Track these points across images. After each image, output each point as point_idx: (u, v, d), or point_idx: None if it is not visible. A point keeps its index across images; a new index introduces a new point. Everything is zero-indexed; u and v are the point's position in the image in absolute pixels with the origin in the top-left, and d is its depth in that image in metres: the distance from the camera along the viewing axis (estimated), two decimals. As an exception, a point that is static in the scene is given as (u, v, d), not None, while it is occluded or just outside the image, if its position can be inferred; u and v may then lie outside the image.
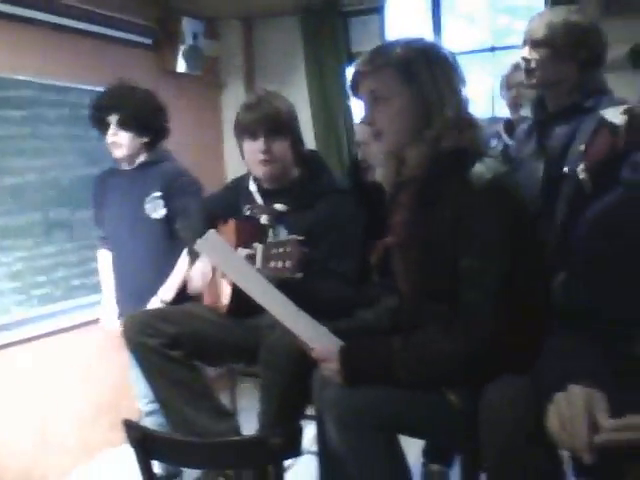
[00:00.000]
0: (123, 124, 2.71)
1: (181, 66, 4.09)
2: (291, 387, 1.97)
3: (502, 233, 1.55)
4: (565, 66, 2.14)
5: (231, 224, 2.34)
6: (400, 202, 1.72)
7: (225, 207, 2.43)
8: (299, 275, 1.88)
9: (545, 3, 3.78)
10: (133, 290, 2.78)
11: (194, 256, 2.39)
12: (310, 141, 4.08)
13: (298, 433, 1.53)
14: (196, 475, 2.49)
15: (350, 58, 4.20)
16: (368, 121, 1.74)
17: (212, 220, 2.37)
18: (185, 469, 2.72)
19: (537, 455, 1.34)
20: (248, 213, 2.36)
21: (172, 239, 2.73)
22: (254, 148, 2.26)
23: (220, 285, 2.29)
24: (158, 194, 2.72)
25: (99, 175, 3.03)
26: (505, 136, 2.76)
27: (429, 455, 2.70)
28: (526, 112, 2.43)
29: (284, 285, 1.79)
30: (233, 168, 4.10)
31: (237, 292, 1.98)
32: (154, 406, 2.57)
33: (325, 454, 1.78)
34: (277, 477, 1.55)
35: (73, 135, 3.38)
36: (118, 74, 2.96)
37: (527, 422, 1.30)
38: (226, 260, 1.81)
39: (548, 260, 1.78)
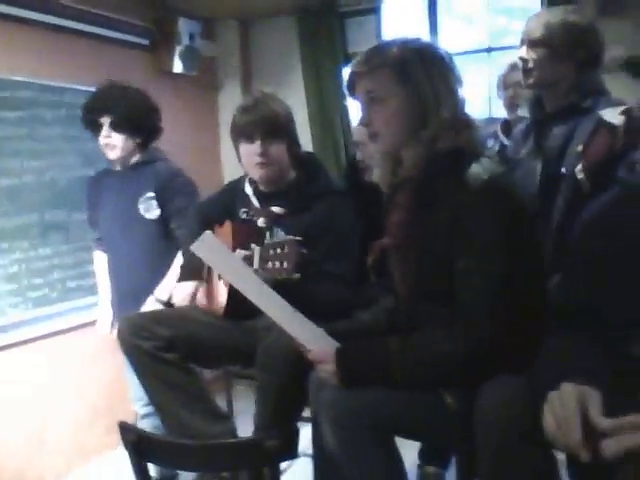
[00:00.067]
0: (116, 125, 2.70)
1: (177, 67, 4.09)
2: (287, 389, 1.96)
3: (499, 233, 1.54)
4: (563, 66, 2.14)
5: (227, 226, 2.33)
6: (397, 203, 1.71)
7: (221, 210, 2.42)
8: (297, 275, 1.87)
9: (542, 4, 3.78)
10: (129, 291, 2.77)
11: (184, 270, 2.38)
12: (307, 142, 4.08)
13: (294, 435, 1.52)
14: (192, 478, 2.47)
15: (347, 59, 4.20)
16: (364, 122, 1.74)
17: (208, 223, 2.36)
18: (181, 472, 2.71)
19: (532, 455, 1.34)
20: (245, 216, 2.35)
21: (167, 239, 2.73)
22: (251, 151, 2.25)
23: (216, 287, 2.29)
24: (152, 194, 2.71)
25: (93, 176, 3.03)
26: (502, 136, 2.76)
27: (425, 457, 2.70)
28: (523, 112, 2.43)
29: (281, 286, 1.78)
30: (230, 169, 4.10)
31: (234, 294, 1.97)
32: (149, 409, 2.56)
33: (321, 456, 1.77)
34: (273, 479, 1.55)
35: (70, 136, 3.38)
36: (115, 75, 2.95)
37: (522, 422, 1.30)
38: (222, 262, 1.80)
39: (545, 260, 1.77)
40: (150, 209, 2.72)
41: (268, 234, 2.25)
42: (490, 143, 2.71)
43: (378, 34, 4.30)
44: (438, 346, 1.56)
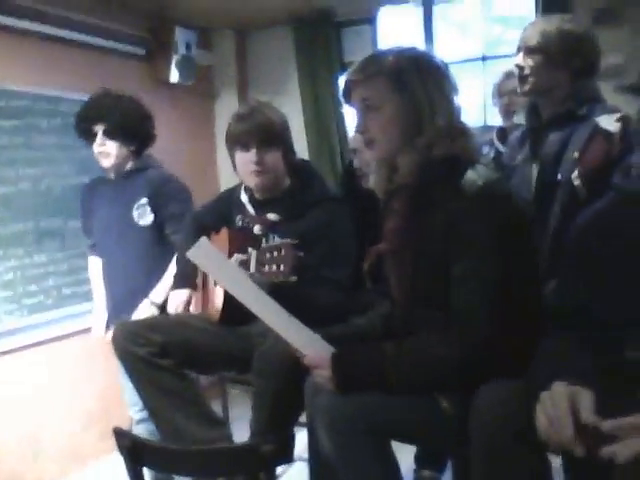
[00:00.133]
0: (110, 133, 2.70)
1: (174, 76, 4.09)
2: (283, 394, 1.95)
3: (494, 239, 1.55)
4: (558, 73, 2.15)
5: (224, 233, 2.34)
6: (392, 209, 1.72)
7: (217, 218, 2.43)
8: (294, 278, 1.87)
9: (536, 13, 3.81)
10: (124, 297, 2.76)
11: (177, 278, 2.38)
12: (303, 150, 4.09)
13: (290, 440, 1.52)
14: (187, 483, 2.47)
15: (343, 68, 4.21)
16: (360, 129, 1.75)
17: (204, 230, 2.35)
18: (176, 477, 2.70)
19: (526, 457, 1.34)
20: (240, 223, 2.36)
21: (161, 245, 2.73)
22: (246, 159, 2.25)
23: (212, 293, 2.29)
24: (145, 201, 2.72)
25: (87, 184, 3.03)
26: (498, 143, 2.77)
27: (421, 461, 2.70)
28: (519, 119, 2.45)
29: (278, 291, 1.78)
30: (226, 178, 4.10)
31: (229, 300, 1.97)
32: (144, 414, 2.55)
33: (317, 461, 1.77)
34: (269, 485, 1.55)
35: (65, 145, 3.38)
36: (111, 84, 2.96)
37: (517, 423, 1.30)
38: (218, 268, 1.81)
39: (541, 266, 1.78)
40: (144, 215, 2.72)
41: (264, 241, 2.25)
42: (486, 150, 2.72)
43: (374, 43, 4.32)
44: (434, 350, 1.56)
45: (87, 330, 3.06)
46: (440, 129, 1.64)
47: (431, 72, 1.68)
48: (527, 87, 2.19)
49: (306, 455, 1.84)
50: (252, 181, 2.29)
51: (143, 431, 2.65)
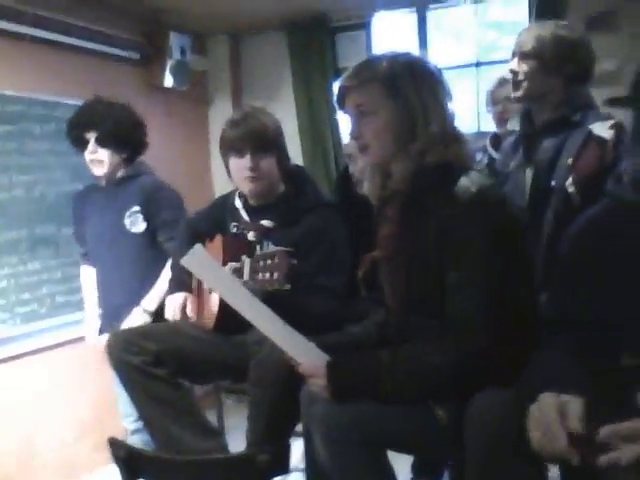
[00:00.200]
0: (102, 141, 2.70)
1: (168, 81, 4.09)
2: (280, 404, 1.94)
3: (488, 245, 1.54)
4: (552, 79, 2.15)
5: (218, 240, 2.33)
6: (386, 216, 1.71)
7: (212, 224, 2.42)
8: (287, 286, 1.87)
9: (530, 19, 3.82)
10: (117, 305, 2.75)
11: (173, 283, 2.37)
12: (297, 156, 4.09)
13: (286, 450, 1.52)
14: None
15: (337, 73, 4.21)
16: (354, 135, 1.74)
17: (198, 237, 2.35)
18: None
19: (521, 466, 1.33)
20: (235, 230, 2.35)
21: (154, 252, 2.72)
22: (240, 165, 2.24)
23: (207, 301, 2.28)
24: (137, 208, 2.71)
25: (78, 192, 3.03)
26: (491, 150, 2.77)
27: (418, 470, 2.69)
28: (513, 126, 2.45)
29: (272, 299, 1.78)
30: (221, 184, 4.09)
31: (224, 308, 1.96)
32: (139, 424, 2.54)
33: (313, 471, 1.76)
34: (265, 495, 1.54)
35: (59, 151, 3.36)
36: (105, 89, 2.96)
37: (511, 433, 1.29)
38: (212, 275, 1.80)
39: (536, 275, 1.77)
40: (136, 223, 2.72)
41: (258, 248, 2.24)
42: (479, 157, 2.72)
43: (368, 49, 4.32)
44: (429, 359, 1.55)
45: (81, 339, 3.05)
46: (434, 135, 1.64)
47: (425, 78, 1.68)
48: (521, 92, 2.20)
49: (302, 465, 1.83)
50: (246, 187, 2.28)
51: (138, 442, 2.64)
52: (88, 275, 2.95)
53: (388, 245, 1.71)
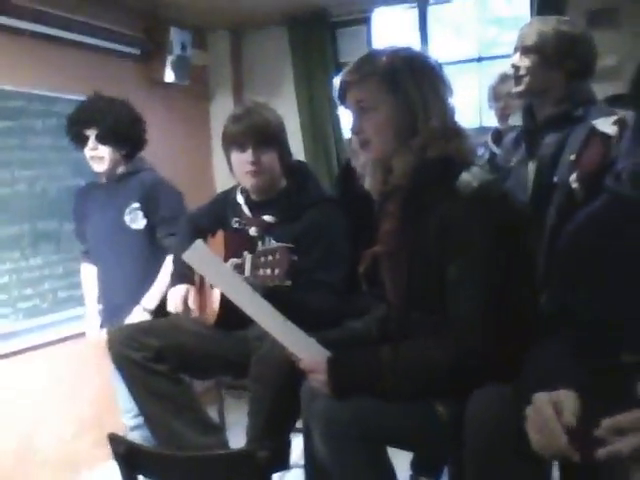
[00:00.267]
0: (102, 138, 2.70)
1: (169, 76, 4.09)
2: (281, 400, 1.95)
3: (489, 241, 1.54)
4: (553, 74, 2.15)
5: (220, 236, 2.33)
6: (387, 211, 1.71)
7: (213, 220, 2.42)
8: (288, 282, 1.87)
9: (531, 14, 3.81)
10: (118, 301, 2.75)
11: (175, 276, 2.37)
12: (299, 151, 4.08)
13: (286, 446, 1.51)
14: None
15: (338, 68, 4.21)
16: (355, 130, 1.74)
17: (200, 232, 2.35)
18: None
19: (520, 467, 1.33)
20: (237, 225, 2.35)
21: (155, 249, 2.72)
22: (242, 159, 2.24)
23: (208, 296, 2.28)
24: (137, 205, 2.72)
25: (79, 189, 3.03)
26: (492, 145, 2.77)
27: (417, 467, 2.68)
28: (515, 121, 2.44)
29: (273, 294, 1.78)
30: (222, 179, 4.09)
31: (225, 303, 1.96)
32: (139, 420, 2.55)
33: (313, 467, 1.76)
34: (265, 491, 1.54)
35: (61, 146, 3.34)
36: (106, 84, 2.95)
37: (510, 429, 1.29)
38: (214, 271, 1.80)
39: (538, 272, 1.77)
40: (136, 219, 2.72)
41: (260, 243, 2.24)
42: (481, 152, 2.71)
43: (369, 44, 4.32)
44: (429, 355, 1.55)
45: (82, 334, 3.05)
46: (434, 130, 1.63)
47: (425, 73, 1.67)
48: (522, 87, 2.19)
49: (302, 461, 1.83)
50: (248, 182, 2.28)
51: (137, 438, 2.64)
52: (89, 272, 2.95)
53: (389, 240, 1.70)
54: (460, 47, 4.32)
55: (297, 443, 1.67)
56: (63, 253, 3.39)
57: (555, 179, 2.09)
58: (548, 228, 2.06)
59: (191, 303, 2.28)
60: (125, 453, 1.54)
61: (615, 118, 2.04)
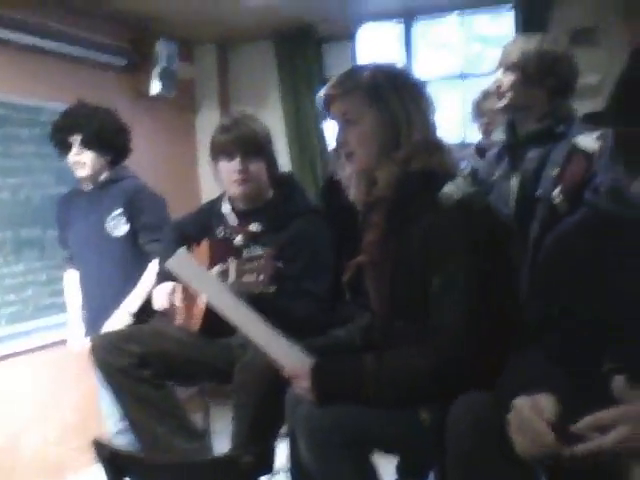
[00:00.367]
0: (86, 143, 2.71)
1: (155, 88, 4.10)
2: (264, 407, 1.95)
3: (471, 252, 1.55)
4: (535, 91, 2.19)
5: (205, 245, 2.34)
6: (371, 222, 1.73)
7: (199, 229, 2.43)
8: (272, 289, 1.88)
9: (516, 31, 3.87)
10: (101, 308, 2.74)
11: (161, 275, 2.37)
12: (285, 164, 4.10)
13: (271, 451, 1.52)
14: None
15: (323, 83, 4.21)
16: (340, 142, 1.76)
17: (184, 241, 2.36)
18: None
19: (504, 473, 1.35)
20: (222, 234, 2.36)
21: (137, 255, 2.73)
22: (230, 168, 2.26)
23: (193, 304, 2.28)
24: (119, 211, 2.73)
25: (62, 197, 3.02)
26: (475, 159, 2.80)
27: (402, 471, 2.68)
28: (497, 136, 2.48)
29: (257, 302, 1.79)
30: (207, 192, 4.10)
31: (210, 310, 1.97)
32: (123, 426, 2.54)
33: (298, 472, 1.77)
34: (249, 496, 1.54)
35: (45, 154, 3.36)
36: (91, 95, 2.96)
37: (492, 435, 1.31)
38: (197, 278, 1.81)
39: (522, 283, 1.79)
40: (118, 226, 2.73)
41: (245, 252, 2.25)
42: (463, 165, 2.75)
43: (354, 59, 4.36)
44: (412, 364, 1.56)
45: (65, 341, 3.03)
46: (417, 143, 1.66)
47: (408, 88, 1.70)
48: (504, 103, 2.24)
49: (287, 467, 1.84)
50: (235, 190, 2.29)
51: (122, 442, 2.63)
52: (72, 279, 2.94)
53: (373, 251, 1.72)
54: (444, 64, 4.37)
55: (281, 448, 1.67)
56: (46, 260, 3.39)
57: (538, 193, 2.13)
58: (531, 241, 2.09)
59: (177, 301, 2.28)
60: (109, 458, 1.54)
61: (597, 134, 2.08)
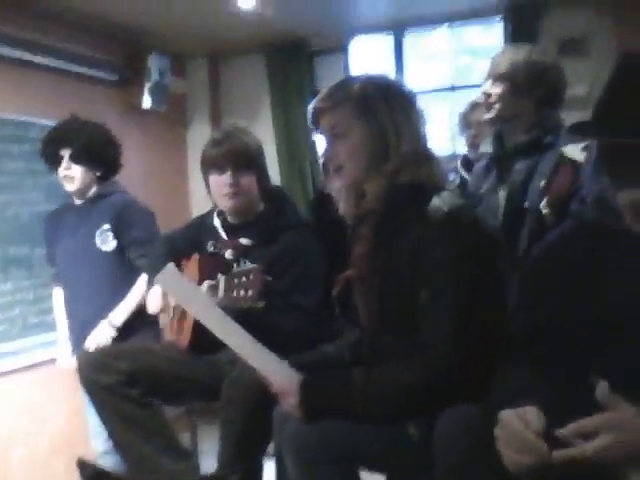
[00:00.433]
0: (76, 158, 2.70)
1: (147, 102, 4.09)
2: (251, 423, 1.93)
3: (459, 265, 1.54)
4: (524, 102, 2.19)
5: (194, 260, 2.33)
6: (360, 235, 1.72)
7: (189, 243, 2.41)
8: (261, 304, 1.87)
9: (505, 42, 3.88)
10: (88, 324, 2.71)
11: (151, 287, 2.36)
12: (275, 177, 4.10)
13: (258, 469, 1.50)
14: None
15: (315, 96, 4.22)
16: (328, 156, 1.75)
17: (175, 255, 2.34)
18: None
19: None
20: (212, 249, 2.34)
21: (125, 271, 2.71)
22: (221, 181, 2.25)
23: (181, 320, 2.27)
24: (107, 227, 2.71)
25: (50, 213, 3.00)
26: (462, 171, 2.80)
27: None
28: (485, 148, 2.48)
29: (246, 317, 1.77)
30: (198, 207, 4.09)
31: (199, 326, 1.95)
32: (109, 445, 2.51)
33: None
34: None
35: (34, 170, 3.35)
36: (82, 109, 2.95)
37: (481, 452, 1.29)
38: (185, 294, 1.79)
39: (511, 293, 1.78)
40: (106, 241, 2.71)
41: (235, 265, 2.24)
42: (452, 177, 2.74)
43: (346, 72, 4.37)
44: (400, 378, 1.55)
45: (53, 360, 3.00)
46: (406, 155, 1.65)
47: (397, 100, 1.69)
48: (493, 114, 2.23)
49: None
50: (226, 203, 2.28)
51: (109, 462, 2.59)
52: (60, 297, 2.92)
53: (362, 264, 1.71)
54: (434, 76, 4.38)
55: (268, 467, 1.65)
56: (34, 279, 3.35)
57: (526, 205, 2.12)
58: (520, 253, 2.08)
59: (172, 301, 2.26)
60: (94, 478, 1.52)
61: (584, 144, 2.08)
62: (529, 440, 1.16)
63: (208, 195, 2.36)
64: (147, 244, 2.62)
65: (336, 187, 1.76)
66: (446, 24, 4.25)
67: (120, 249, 2.71)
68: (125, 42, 4.03)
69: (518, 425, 1.18)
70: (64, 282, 2.88)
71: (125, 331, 2.65)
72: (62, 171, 2.73)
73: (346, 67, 4.40)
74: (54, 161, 2.75)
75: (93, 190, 2.79)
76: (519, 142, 2.20)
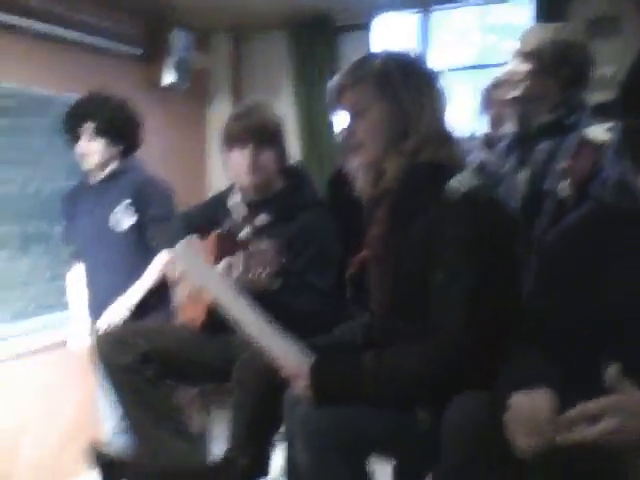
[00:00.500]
0: (99, 131, 2.69)
1: (169, 78, 4.07)
2: (262, 406, 1.92)
3: (474, 246, 1.52)
4: (549, 81, 2.15)
5: (212, 238, 2.33)
6: (376, 216, 1.69)
7: (206, 221, 2.41)
8: (277, 284, 1.86)
9: (535, 21, 3.79)
10: (106, 303, 2.72)
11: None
12: (295, 154, 4.07)
13: (267, 453, 1.49)
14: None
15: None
16: (347, 133, 1.72)
17: (191, 232, 2.34)
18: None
19: (499, 472, 1.31)
20: (229, 227, 2.33)
21: (143, 248, 2.71)
22: (240, 158, 2.23)
23: (196, 299, 2.26)
24: (128, 201, 2.70)
25: (68, 191, 2.99)
26: (484, 151, 2.74)
27: (400, 475, 2.64)
28: (508, 128, 2.42)
29: (262, 297, 1.76)
30: (216, 184, 4.07)
31: (212, 305, 1.95)
32: (121, 426, 2.52)
33: (294, 475, 1.73)
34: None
35: (55, 146, 3.33)
36: (104, 84, 2.93)
37: (490, 438, 1.27)
38: (199, 270, 1.79)
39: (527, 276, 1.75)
40: (126, 218, 2.70)
41: (253, 244, 2.21)
42: (471, 157, 2.69)
43: (370, 49, 4.30)
44: (411, 362, 1.53)
45: (64, 342, 2.96)
46: (426, 135, 1.62)
47: (419, 77, 1.66)
48: (518, 93, 2.19)
49: (284, 472, 1.80)
50: (245, 180, 2.26)
51: (119, 444, 2.60)
52: (76, 275, 2.91)
53: (377, 245, 1.69)
54: (461, 54, 4.31)
55: (280, 454, 1.63)
56: (53, 255, 3.34)
57: (546, 187, 2.08)
58: (539, 235, 2.04)
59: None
60: (107, 464, 1.52)
61: (609, 125, 2.03)
62: (538, 422, 1.15)
63: (226, 172, 2.34)
64: (165, 222, 2.61)
65: (354, 165, 1.74)
66: (474, 2, 4.16)
67: (137, 227, 2.71)
68: (148, 16, 3.99)
69: (531, 408, 1.16)
70: (83, 259, 2.88)
71: (139, 310, 2.65)
72: (82, 145, 2.72)
73: (370, 45, 4.33)
74: (75, 136, 2.74)
75: (112, 166, 2.77)
76: (543, 122, 2.16)
